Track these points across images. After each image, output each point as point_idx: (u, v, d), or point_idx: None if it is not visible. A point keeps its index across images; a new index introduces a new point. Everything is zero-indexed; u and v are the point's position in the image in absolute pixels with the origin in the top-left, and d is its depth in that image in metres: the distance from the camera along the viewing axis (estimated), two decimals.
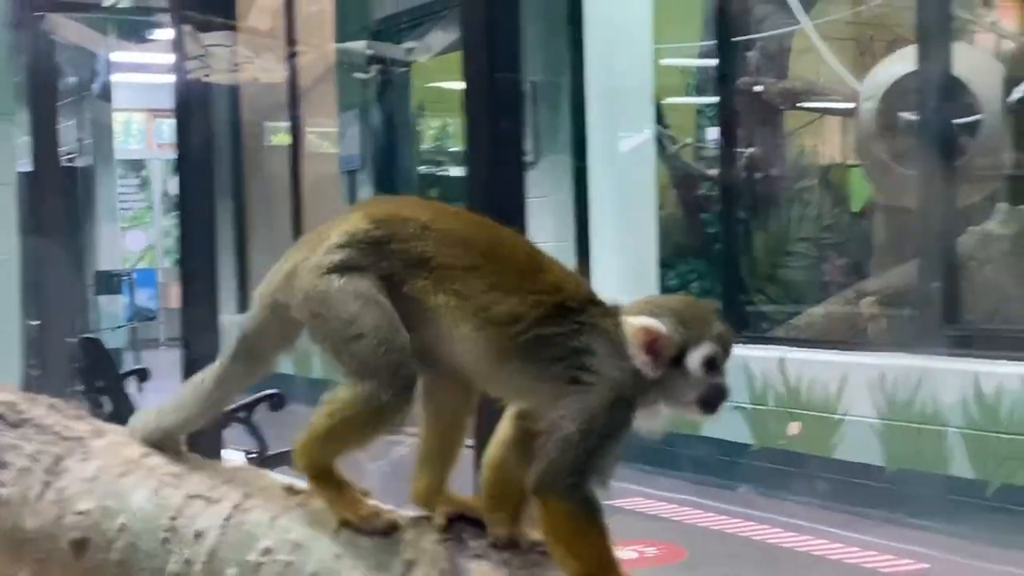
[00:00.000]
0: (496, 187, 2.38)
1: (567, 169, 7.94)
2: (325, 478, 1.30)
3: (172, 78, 4.39)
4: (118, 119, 15.26)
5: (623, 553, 4.68)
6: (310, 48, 8.77)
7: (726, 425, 6.76)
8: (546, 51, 8.03)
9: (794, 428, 6.46)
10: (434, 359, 1.29)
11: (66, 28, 6.06)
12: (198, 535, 1.27)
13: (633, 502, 6.59)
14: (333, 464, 1.31)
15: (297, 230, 9.96)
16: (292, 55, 8.96)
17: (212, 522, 1.28)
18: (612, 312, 1.29)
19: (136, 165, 17.36)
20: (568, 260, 7.80)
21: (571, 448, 1.24)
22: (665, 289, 8.83)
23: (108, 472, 1.37)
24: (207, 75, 4.63)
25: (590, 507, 1.25)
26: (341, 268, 1.29)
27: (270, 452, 5.27)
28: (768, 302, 8.71)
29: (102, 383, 5.09)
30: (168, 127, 14.83)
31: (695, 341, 1.29)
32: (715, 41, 7.77)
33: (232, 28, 5.85)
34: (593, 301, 1.29)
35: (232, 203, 11.20)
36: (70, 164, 14.08)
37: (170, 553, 1.28)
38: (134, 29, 10.04)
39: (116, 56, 12.41)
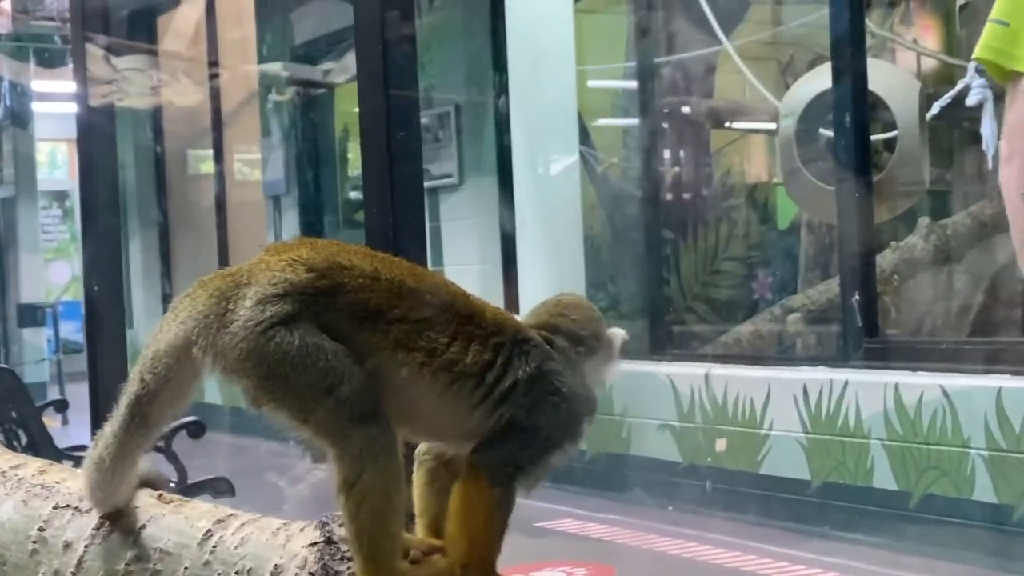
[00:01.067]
0: (396, 211, 2.34)
1: (492, 191, 7.95)
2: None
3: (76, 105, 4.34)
4: (42, 149, 15.08)
5: (552, 574, 4.65)
6: (229, 71, 8.72)
7: (655, 443, 6.78)
8: (469, 73, 8.05)
9: (720, 444, 6.48)
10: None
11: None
12: (67, 545, 1.24)
13: (562, 523, 6.57)
14: (395, 551, 1.22)
15: (223, 256, 9.87)
16: (213, 77, 8.91)
17: (81, 532, 1.25)
18: (548, 329, 1.30)
19: (60, 196, 17.16)
20: (495, 282, 7.82)
21: (526, 446, 1.24)
22: (600, 311, 8.86)
23: None
24: (120, 99, 4.57)
25: (508, 504, 1.25)
26: (286, 321, 1.21)
27: (190, 481, 5.20)
28: (697, 320, 8.76)
29: (16, 415, 4.99)
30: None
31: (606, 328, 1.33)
32: (638, 62, 7.82)
33: (149, 52, 5.80)
34: (525, 330, 1.30)
35: (156, 231, 11.09)
36: None
37: (39, 564, 1.25)
38: (54, 57, 9.94)
39: (38, 85, 12.28)
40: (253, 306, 1.21)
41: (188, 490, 4.84)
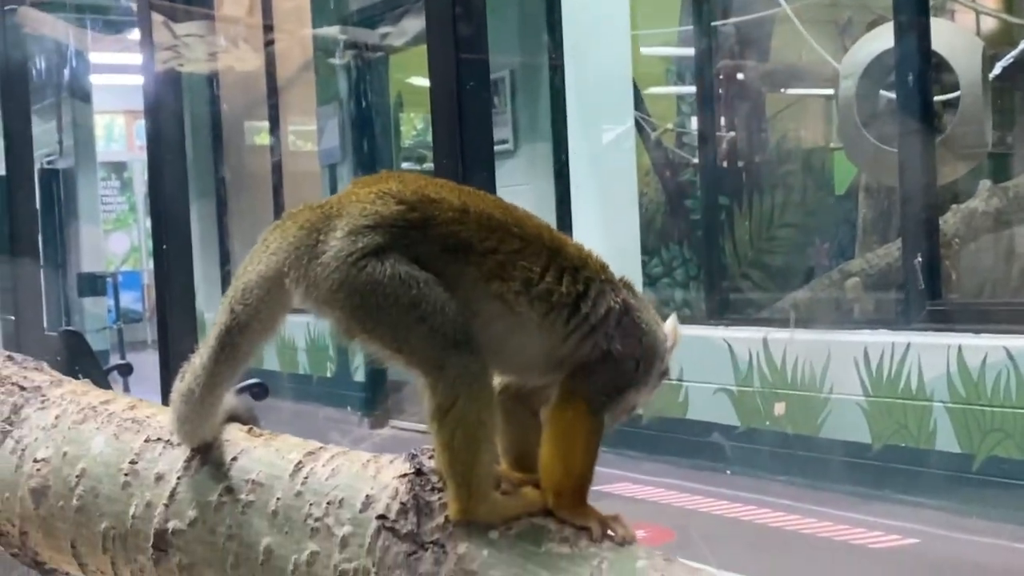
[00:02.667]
0: (465, 175, 2.34)
1: (547, 157, 7.93)
2: (489, 502, 1.20)
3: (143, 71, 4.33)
4: (100, 121, 15.22)
5: None
6: (286, 36, 8.73)
7: (712, 407, 6.77)
8: (524, 40, 8.03)
9: (779, 408, 6.46)
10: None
11: (41, 23, 6.03)
12: (159, 478, 1.26)
13: (621, 487, 6.58)
14: (489, 480, 1.22)
15: None
16: (269, 43, 8.93)
17: (172, 465, 1.26)
18: (627, 285, 1.33)
19: (118, 167, 17.32)
20: None
21: (616, 376, 1.25)
22: (648, 277, 8.85)
23: (67, 419, 1.35)
24: (181, 65, 4.59)
25: (601, 431, 1.26)
26: (377, 252, 1.21)
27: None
28: (753, 287, 8.72)
29: (83, 377, 5.04)
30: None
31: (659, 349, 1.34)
32: (695, 26, 7.76)
33: (208, 17, 5.83)
34: (607, 267, 1.31)
35: (214, 200, 11.17)
36: (51, 167, 14.03)
37: (131, 496, 1.26)
38: (113, 26, 10.00)
39: (96, 57, 12.38)
40: (344, 237, 1.21)
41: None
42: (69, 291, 12.64)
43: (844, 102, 6.99)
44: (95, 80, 13.53)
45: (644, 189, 9.01)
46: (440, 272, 1.22)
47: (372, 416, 9.02)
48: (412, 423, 8.04)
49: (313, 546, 1.19)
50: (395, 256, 1.21)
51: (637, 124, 8.81)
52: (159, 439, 1.29)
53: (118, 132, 17.79)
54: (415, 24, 6.70)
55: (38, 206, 14.40)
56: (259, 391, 5.37)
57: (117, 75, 13.83)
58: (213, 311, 1.31)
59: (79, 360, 5.11)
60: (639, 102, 8.93)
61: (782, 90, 9.27)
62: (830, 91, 7.91)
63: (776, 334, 6.59)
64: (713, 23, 8.16)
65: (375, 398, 9.22)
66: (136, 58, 11.26)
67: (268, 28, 9.02)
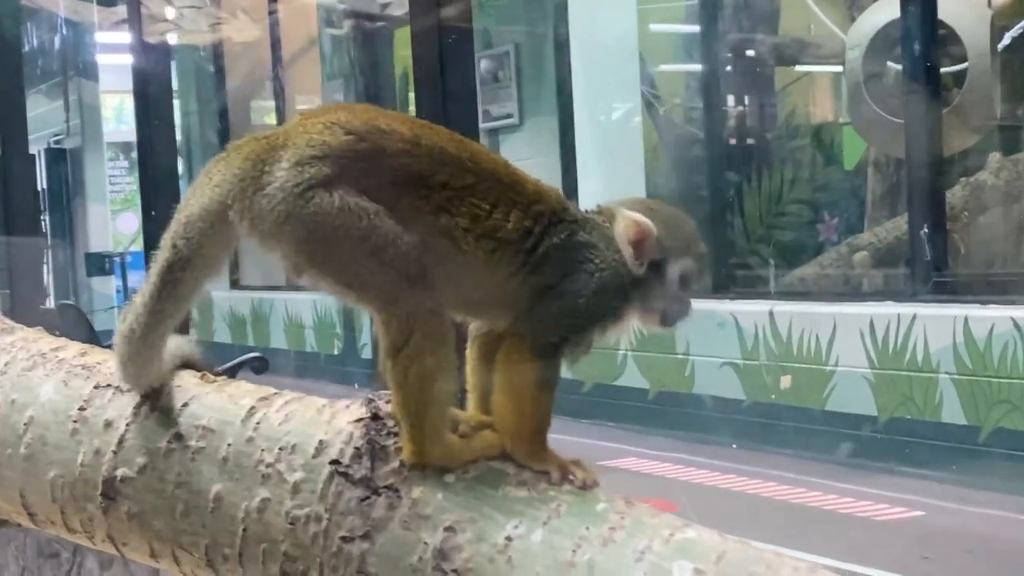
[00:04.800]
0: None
1: (553, 131, 7.88)
2: (452, 452, 1.16)
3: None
4: (110, 102, 15.18)
5: None
6: (287, 5, 8.66)
7: (718, 381, 6.73)
8: (528, 13, 7.97)
9: (785, 381, 6.41)
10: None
11: (59, 3, 5.98)
12: (108, 424, 1.22)
13: (626, 461, 6.56)
14: (444, 421, 1.17)
15: None
16: (272, 13, 8.87)
17: (122, 412, 1.22)
18: (598, 211, 1.26)
19: (126, 147, 17.28)
20: None
21: (567, 313, 1.20)
22: None
23: (16, 366, 1.31)
24: (179, 37, 4.54)
25: (554, 374, 1.20)
26: (325, 183, 1.15)
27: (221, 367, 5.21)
28: (762, 263, 8.68)
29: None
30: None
31: (678, 253, 1.25)
32: (702, 1, 7.70)
33: None
34: (566, 202, 1.25)
35: None
36: (57, 146, 14.02)
37: (80, 444, 1.23)
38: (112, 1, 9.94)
39: (104, 37, 12.33)
40: (290, 168, 1.16)
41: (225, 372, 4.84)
42: (77, 270, 12.64)
43: (851, 74, 6.92)
44: (103, 60, 13.47)
45: (652, 164, 8.97)
46: (392, 206, 1.17)
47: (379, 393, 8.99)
48: None
49: (264, 492, 1.15)
50: (344, 187, 1.16)
51: (645, 100, 8.76)
52: (109, 385, 1.25)
53: (127, 112, 17.76)
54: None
55: (45, 185, 14.41)
56: (259, 365, 5.35)
57: (126, 55, 13.78)
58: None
59: (76, 334, 5.09)
60: (648, 78, 8.88)
61: (791, 65, 9.20)
62: (839, 65, 7.84)
63: (782, 307, 6.54)
64: None
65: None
66: (153, 37, 11.21)
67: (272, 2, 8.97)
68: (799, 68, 9.24)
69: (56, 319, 5.21)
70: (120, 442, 1.19)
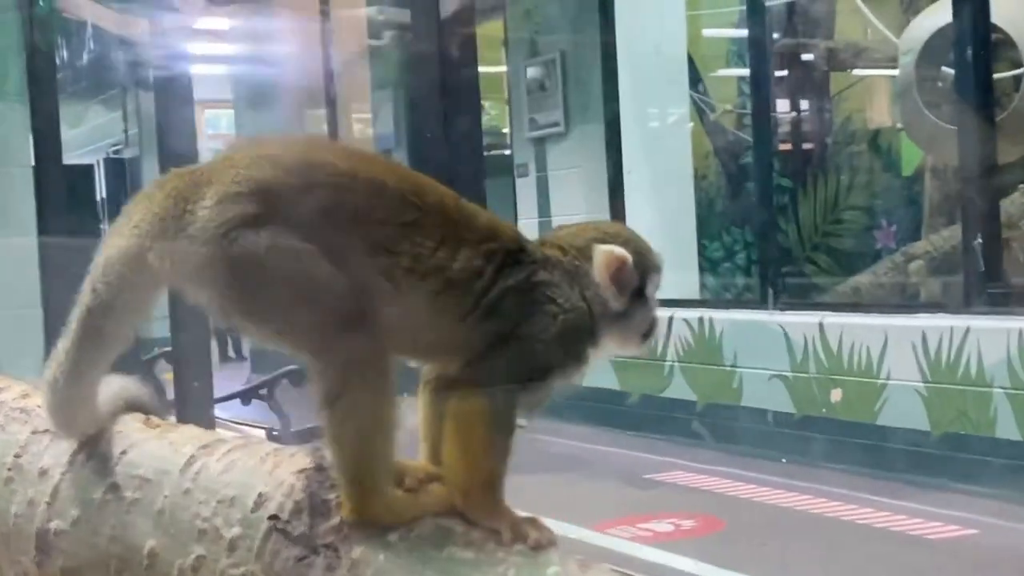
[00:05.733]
0: (452, 149, 2.22)
1: (599, 139, 7.79)
2: (398, 508, 1.09)
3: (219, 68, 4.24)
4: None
5: (659, 525, 4.54)
6: (341, 16, 8.62)
7: (767, 394, 6.61)
8: (575, 20, 7.89)
9: (836, 395, 6.28)
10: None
11: (83, 8, 6.00)
12: (42, 473, 1.16)
13: (672, 475, 6.45)
14: (385, 475, 1.10)
15: None
16: (324, 25, 8.85)
17: (58, 459, 1.16)
18: (553, 245, 1.17)
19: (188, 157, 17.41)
20: None
21: (526, 360, 1.11)
22: (708, 261, 8.70)
23: None
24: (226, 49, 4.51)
25: (507, 425, 1.11)
26: (251, 222, 1.08)
27: (293, 428, 5.18)
28: (817, 271, 8.55)
29: (125, 364, 5.00)
30: (216, 117, 14.85)
31: (649, 270, 1.17)
32: (753, 5, 7.57)
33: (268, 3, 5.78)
34: (523, 239, 1.17)
35: None
36: (116, 156, 14.15)
37: (14, 493, 1.17)
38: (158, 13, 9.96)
39: (165, 47, 12.38)
40: (214, 206, 1.09)
41: (290, 438, 4.82)
42: None
43: (903, 80, 6.77)
44: (163, 72, 13.53)
45: (704, 172, 8.86)
46: (325, 245, 1.09)
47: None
48: None
49: (200, 550, 1.08)
50: (271, 226, 1.08)
51: (695, 106, 8.65)
52: (47, 430, 1.19)
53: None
54: (449, 3, 6.58)
55: (104, 194, 14.56)
56: (298, 378, 5.31)
57: (199, 65, 13.87)
58: None
59: None
60: (699, 84, 8.77)
61: (846, 69, 9.06)
62: (895, 70, 7.69)
63: (832, 318, 6.40)
64: (773, 1, 7.96)
65: None
66: (205, 48, 11.29)
67: (324, 11, 8.93)
68: (855, 73, 9.10)
69: None
70: (55, 492, 1.13)
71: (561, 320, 1.13)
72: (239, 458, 1.13)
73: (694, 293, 7.85)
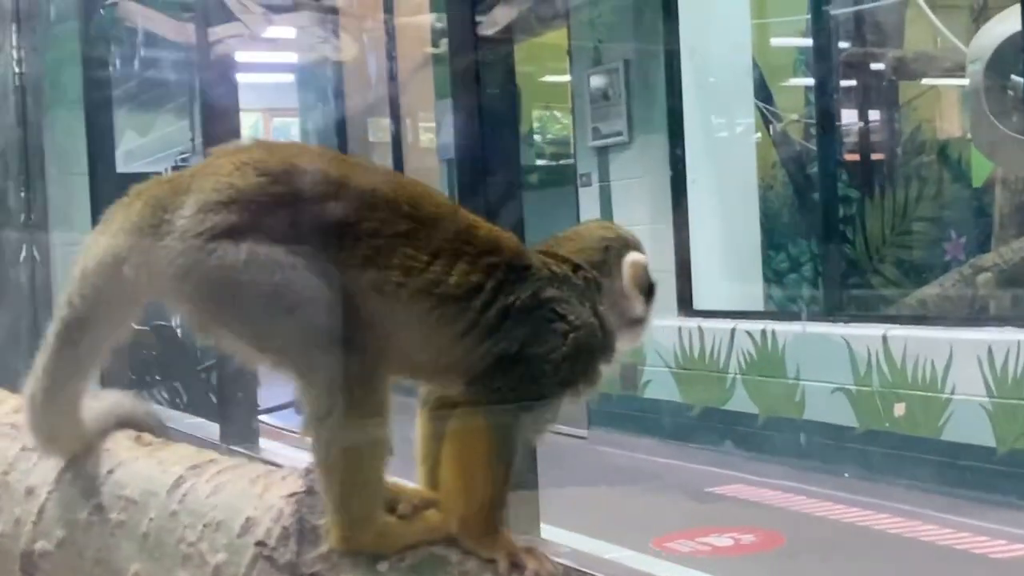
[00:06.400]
0: (487, 161, 2.18)
1: (663, 149, 7.71)
2: (388, 534, 1.03)
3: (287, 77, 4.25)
4: (245, 120, 15.38)
5: (719, 540, 4.46)
6: (404, 24, 8.62)
7: (829, 407, 6.50)
8: (639, 28, 7.82)
9: (899, 409, 6.15)
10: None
11: (146, 18, 6.05)
12: (29, 492, 1.13)
13: (733, 488, 6.37)
14: (375, 501, 1.05)
15: None
16: (388, 34, 8.85)
17: (45, 477, 1.13)
18: (558, 259, 1.10)
19: None
20: (666, 243, 7.60)
21: (526, 383, 1.05)
22: (774, 273, 8.58)
23: None
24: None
25: (509, 450, 1.05)
26: (231, 232, 1.03)
27: None
28: (884, 282, 8.41)
29: (177, 372, 5.03)
30: (285, 125, 14.95)
31: (647, 269, 1.12)
32: (819, 13, 7.47)
33: (312, 8, 5.77)
34: (527, 253, 1.11)
35: None
36: (184, 164, 14.30)
37: (0, 512, 1.13)
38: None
39: (231, 56, 12.48)
40: (192, 215, 1.04)
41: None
42: None
43: (971, 89, 6.63)
44: (239, 79, 13.64)
45: (771, 182, 8.75)
46: (312, 257, 1.04)
47: None
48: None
49: (183, 575, 1.04)
50: (253, 237, 1.02)
51: (761, 114, 8.55)
52: (35, 448, 1.16)
53: (255, 130, 18.05)
54: (505, 13, 6.51)
55: None
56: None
57: (253, 73, 13.97)
58: None
59: (170, 354, 5.10)
60: (763, 91, 8.66)
61: (915, 79, 8.91)
62: (965, 81, 7.55)
63: (896, 331, 6.28)
64: (839, 10, 7.85)
65: None
66: (272, 56, 11.31)
67: (387, 19, 8.94)
68: (924, 82, 8.95)
69: (152, 340, 5.22)
70: (40, 512, 1.10)
71: (573, 339, 1.06)
72: (229, 480, 1.09)
73: (758, 305, 7.75)
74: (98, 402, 1.16)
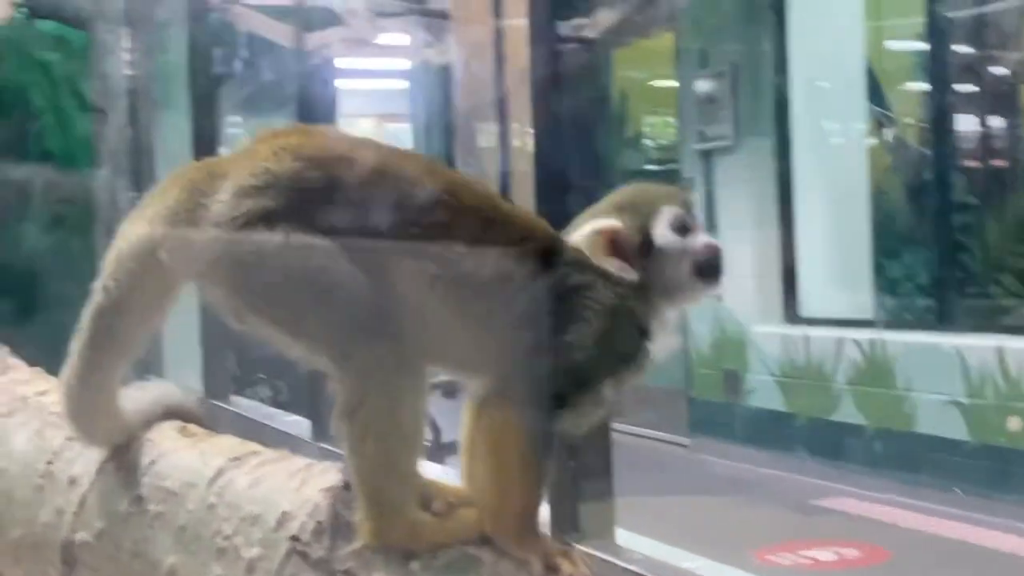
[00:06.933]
0: (565, 162, 2.15)
1: (769, 154, 7.60)
2: (418, 532, 1.00)
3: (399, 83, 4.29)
4: (353, 126, 15.57)
5: (822, 554, 4.37)
6: (513, 30, 8.63)
7: (940, 420, 6.33)
8: (747, 31, 7.72)
9: (1015, 423, 5.97)
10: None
11: (258, 23, 6.12)
12: (72, 482, 1.12)
13: (839, 502, 6.25)
14: (408, 496, 1.01)
15: None
16: (497, 41, 8.87)
17: (88, 468, 1.12)
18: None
19: None
20: (772, 249, 7.48)
21: (565, 374, 1.02)
22: (887, 280, 8.40)
23: None
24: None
25: (545, 446, 1.02)
26: (266, 217, 1.01)
27: (444, 440, 5.14)
28: (1004, 293, 8.18)
29: (276, 368, 5.08)
30: (397, 131, 15.08)
31: (652, 215, 1.05)
32: (938, 14, 7.30)
33: (418, 12, 5.80)
34: (558, 239, 1.07)
35: None
36: None
37: (43, 503, 1.13)
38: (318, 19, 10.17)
39: (342, 62, 12.65)
40: (228, 200, 1.02)
41: (442, 448, 4.78)
42: None
43: None
44: (341, 84, 13.82)
45: (884, 188, 8.58)
46: (348, 245, 1.01)
47: None
48: (632, 426, 7.85)
49: (218, 569, 1.02)
50: (289, 223, 1.00)
51: (875, 119, 8.39)
52: None
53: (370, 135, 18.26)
54: (607, 16, 6.47)
55: None
56: (450, 388, 5.27)
57: (365, 79, 14.12)
58: None
59: (273, 351, 5.12)
60: (876, 95, 8.49)
61: None
62: None
63: (1013, 342, 6.09)
64: (956, 12, 7.66)
65: None
66: (382, 63, 11.42)
67: (495, 24, 8.97)
68: None
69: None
70: (82, 502, 1.09)
71: (598, 326, 1.02)
72: (268, 473, 1.07)
73: (867, 313, 7.59)
74: (144, 392, 1.15)
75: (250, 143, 1.09)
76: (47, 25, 5.40)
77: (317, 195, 1.02)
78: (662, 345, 1.06)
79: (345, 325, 1.00)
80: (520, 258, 1.03)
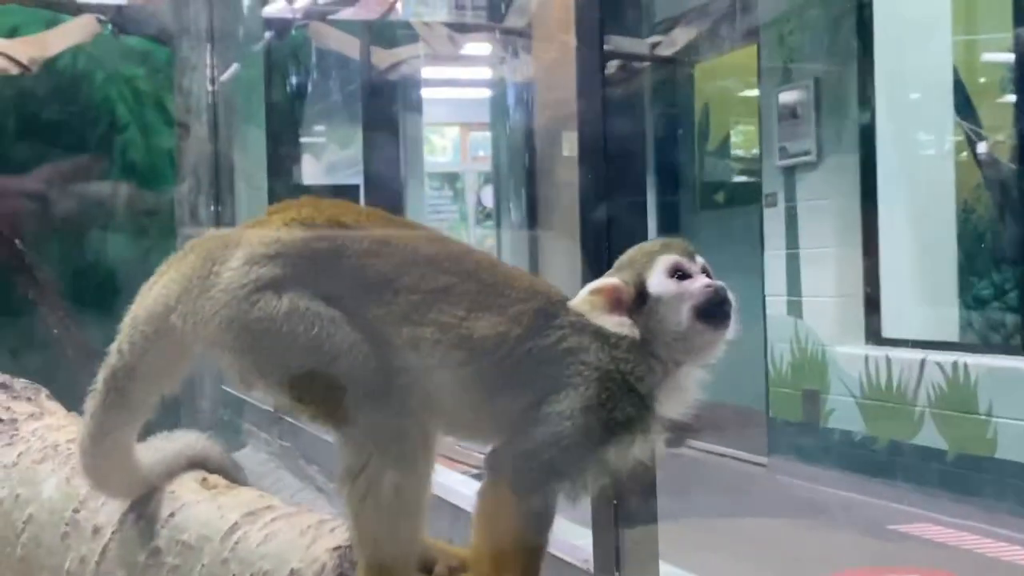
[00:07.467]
0: (612, 185, 2.15)
1: (853, 169, 7.49)
2: None
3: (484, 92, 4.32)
4: (437, 135, 15.66)
5: None
6: (566, 45, 8.64)
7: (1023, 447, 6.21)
8: (830, 45, 7.63)
9: None
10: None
11: (335, 39, 6.20)
12: (96, 531, 1.14)
13: (918, 528, 6.15)
14: (407, 560, 1.02)
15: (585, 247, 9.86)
16: (570, 57, 8.87)
17: (111, 517, 1.14)
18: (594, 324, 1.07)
19: (451, 177, 17.81)
20: (854, 268, 7.38)
21: (554, 441, 1.01)
22: (976, 301, 8.24)
23: (28, 458, 1.26)
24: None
25: (540, 515, 1.01)
26: (274, 285, 1.04)
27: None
28: None
29: None
30: (485, 140, 15.14)
31: (648, 266, 1.05)
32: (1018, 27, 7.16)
33: (494, 29, 5.83)
34: (565, 301, 1.07)
35: (526, 213, 11.25)
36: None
37: (68, 550, 1.15)
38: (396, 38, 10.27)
39: (427, 72, 12.74)
40: (238, 268, 1.05)
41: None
42: None
43: None
44: (426, 93, 13.93)
45: (973, 205, 8.42)
46: (352, 312, 1.02)
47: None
48: (710, 444, 7.79)
49: None
50: (296, 290, 1.02)
51: (965, 135, 8.24)
52: None
53: (451, 144, 18.31)
54: (684, 34, 6.44)
55: None
56: None
57: (449, 88, 14.20)
58: None
59: None
60: (966, 110, 8.34)
61: None
62: None
63: None
64: None
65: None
66: (465, 72, 11.48)
67: (548, 36, 8.99)
68: None
69: None
70: (103, 552, 1.11)
71: (587, 392, 1.02)
72: (281, 528, 1.08)
73: (951, 335, 7.45)
74: (169, 442, 1.17)
75: (266, 216, 1.11)
76: (132, 41, 5.50)
77: (324, 264, 1.03)
78: (676, 406, 1.05)
79: (347, 391, 1.01)
80: (515, 322, 1.03)
